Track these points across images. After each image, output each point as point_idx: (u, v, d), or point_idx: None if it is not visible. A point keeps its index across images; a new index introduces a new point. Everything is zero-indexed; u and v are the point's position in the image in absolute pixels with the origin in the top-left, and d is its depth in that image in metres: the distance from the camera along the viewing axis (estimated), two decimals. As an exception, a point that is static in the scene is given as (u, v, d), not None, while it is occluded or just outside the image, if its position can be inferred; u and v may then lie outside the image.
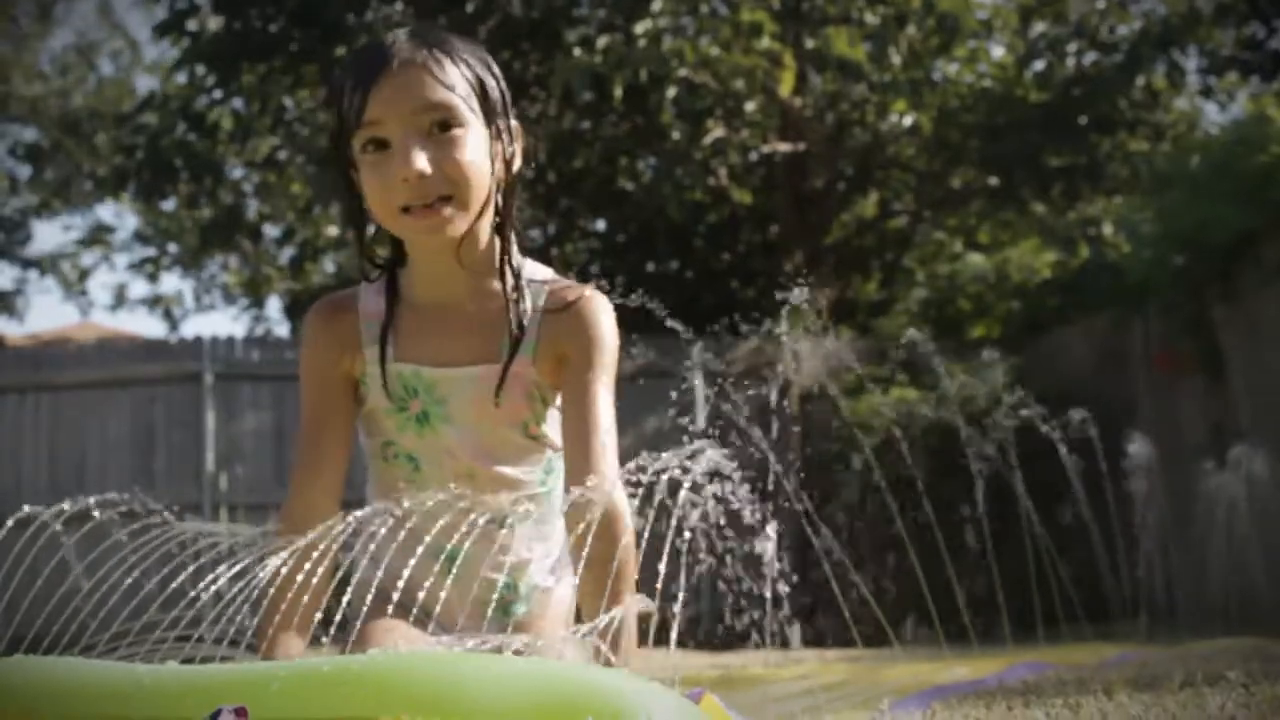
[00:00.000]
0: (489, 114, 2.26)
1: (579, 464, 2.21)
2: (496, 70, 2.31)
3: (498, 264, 2.31)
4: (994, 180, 12.32)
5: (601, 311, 2.32)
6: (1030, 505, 7.07)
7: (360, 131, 2.20)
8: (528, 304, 2.30)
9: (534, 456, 2.36)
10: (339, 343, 2.35)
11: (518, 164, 2.32)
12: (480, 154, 2.23)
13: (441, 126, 2.20)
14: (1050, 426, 7.29)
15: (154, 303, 21.32)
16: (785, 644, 4.97)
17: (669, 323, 3.08)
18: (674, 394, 7.70)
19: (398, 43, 2.23)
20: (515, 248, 2.33)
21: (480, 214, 2.25)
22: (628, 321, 2.42)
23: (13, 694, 1.72)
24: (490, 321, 2.31)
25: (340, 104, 2.23)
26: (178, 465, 9.77)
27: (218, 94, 12.08)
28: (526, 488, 2.36)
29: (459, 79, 2.23)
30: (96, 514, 2.46)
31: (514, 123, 2.32)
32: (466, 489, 2.26)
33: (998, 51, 12.96)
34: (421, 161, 2.17)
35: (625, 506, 2.21)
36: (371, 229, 2.35)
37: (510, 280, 2.30)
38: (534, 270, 2.36)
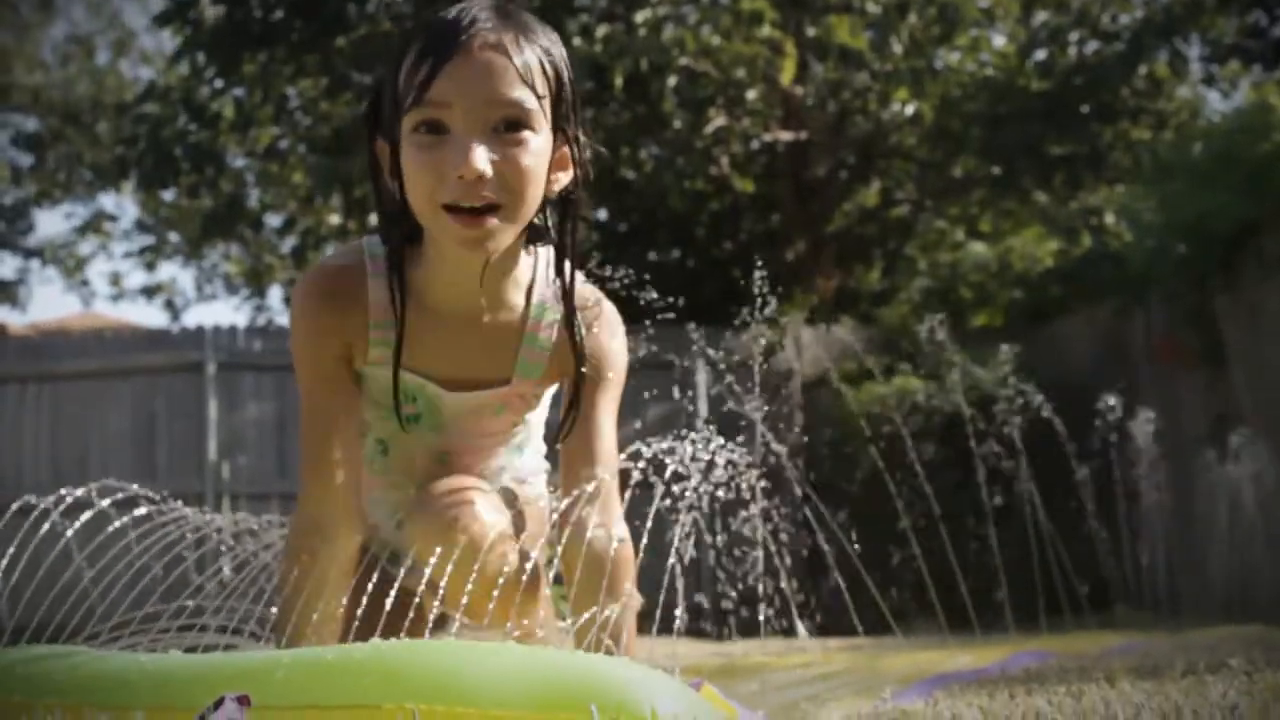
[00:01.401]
0: (559, 119, 2.07)
1: (594, 457, 2.18)
2: (570, 69, 2.11)
3: (521, 275, 2.18)
4: (996, 169, 12.31)
5: (612, 334, 2.23)
6: (1034, 492, 7.08)
7: (418, 109, 1.97)
8: (549, 330, 2.19)
9: (513, 434, 2.33)
10: (342, 333, 2.18)
11: (581, 175, 2.14)
12: (542, 164, 2.03)
13: (510, 125, 1.99)
14: (1053, 415, 7.29)
15: (153, 291, 21.30)
16: (787, 632, 4.96)
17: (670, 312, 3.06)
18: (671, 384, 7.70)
19: (480, 19, 2.00)
20: (574, 272, 2.17)
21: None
22: (629, 311, 2.39)
23: (17, 683, 1.72)
24: (502, 338, 2.19)
25: (399, 71, 2.02)
26: (180, 455, 9.77)
27: (219, 83, 12.07)
28: (502, 456, 2.34)
29: (539, 76, 2.02)
30: (100, 501, 2.45)
31: (581, 133, 2.13)
32: (434, 468, 2.25)
33: (999, 40, 12.96)
34: (483, 162, 1.95)
35: (629, 550, 2.16)
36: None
37: (577, 326, 2.17)
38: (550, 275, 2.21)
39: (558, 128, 2.07)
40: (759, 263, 4.10)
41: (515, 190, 2.00)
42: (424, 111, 1.97)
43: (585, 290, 2.22)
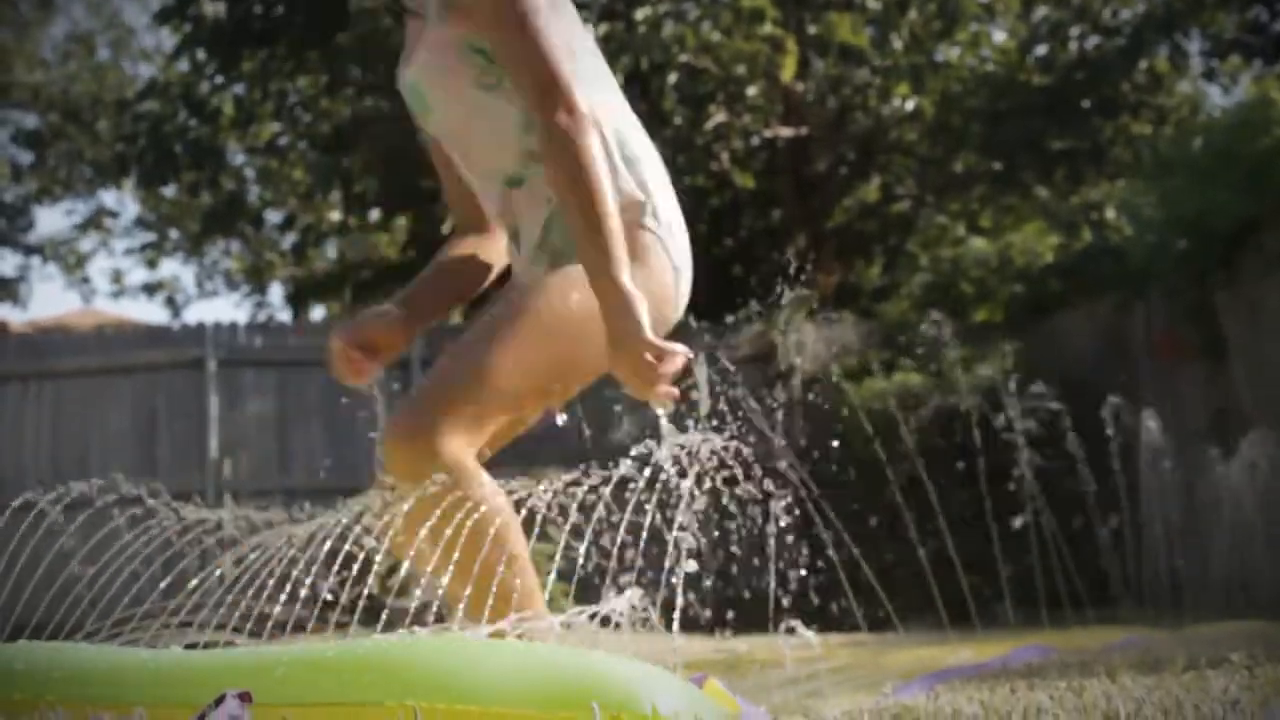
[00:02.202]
0: None
1: (531, 102, 2.22)
2: None
3: None
4: (996, 164, 12.31)
5: None
6: (1035, 487, 7.08)
7: None
8: None
9: (517, 121, 2.33)
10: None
11: None
12: None
13: None
14: (1054, 410, 7.29)
15: (154, 288, 21.29)
16: (788, 628, 4.96)
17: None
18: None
19: None
20: None
21: None
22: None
23: (19, 679, 1.72)
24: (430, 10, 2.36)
25: None
26: (181, 453, 9.76)
27: (219, 80, 12.06)
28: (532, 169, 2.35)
29: None
30: (100, 498, 2.45)
31: None
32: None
33: (1000, 35, 12.95)
34: None
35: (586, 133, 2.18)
36: None
37: None
38: None
39: None
40: (778, 254, 4.11)
41: None
42: None
43: None
